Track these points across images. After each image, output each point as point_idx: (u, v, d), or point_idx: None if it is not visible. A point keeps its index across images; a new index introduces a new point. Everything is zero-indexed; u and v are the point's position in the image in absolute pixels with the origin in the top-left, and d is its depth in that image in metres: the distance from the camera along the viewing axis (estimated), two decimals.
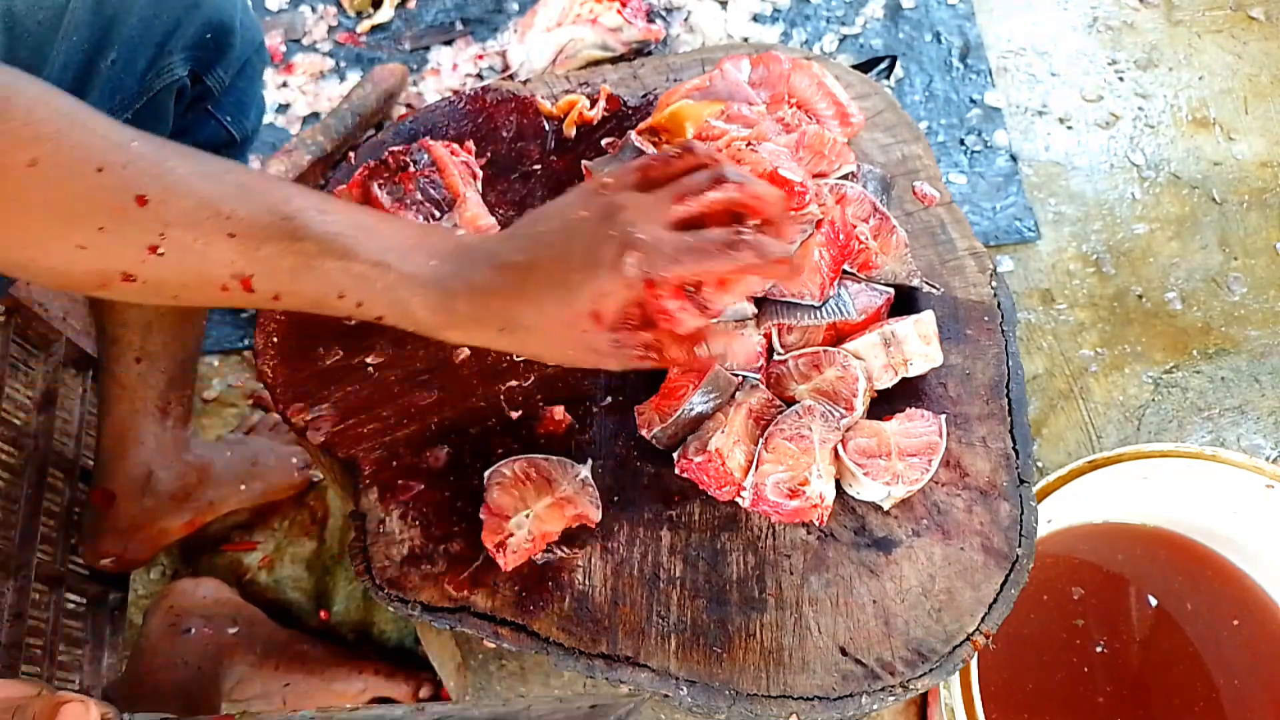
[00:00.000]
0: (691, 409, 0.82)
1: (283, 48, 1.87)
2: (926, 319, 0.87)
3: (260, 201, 0.65)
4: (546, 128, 1.06)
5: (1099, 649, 1.22)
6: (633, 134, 0.95)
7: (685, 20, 1.84)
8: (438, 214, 0.90)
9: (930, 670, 0.77)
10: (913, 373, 0.87)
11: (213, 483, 1.35)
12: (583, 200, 0.72)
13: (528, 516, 0.81)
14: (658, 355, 0.70)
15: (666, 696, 0.77)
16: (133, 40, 0.88)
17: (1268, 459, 1.45)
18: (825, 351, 0.86)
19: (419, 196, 0.90)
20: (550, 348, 0.71)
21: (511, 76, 1.79)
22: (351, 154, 1.05)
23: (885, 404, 0.87)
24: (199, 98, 0.98)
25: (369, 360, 0.93)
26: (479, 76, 1.83)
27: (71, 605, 1.32)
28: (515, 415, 0.89)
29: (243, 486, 1.39)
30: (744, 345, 0.83)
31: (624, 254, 0.66)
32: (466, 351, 0.93)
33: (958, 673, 0.92)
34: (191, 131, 1.02)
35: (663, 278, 0.66)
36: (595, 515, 0.82)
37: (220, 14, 0.94)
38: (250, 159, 1.74)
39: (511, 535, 0.80)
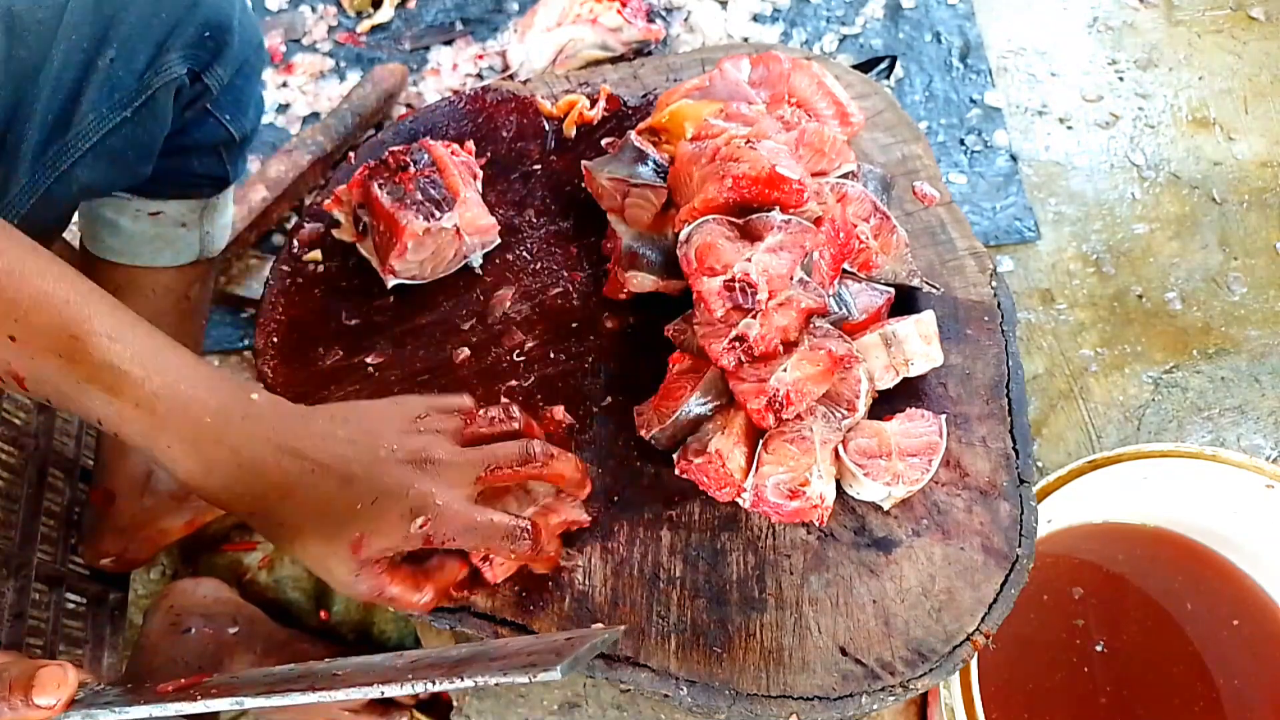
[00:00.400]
0: (690, 410, 0.82)
1: (283, 48, 1.87)
2: (927, 319, 0.87)
3: (54, 316, 0.63)
4: (546, 128, 1.06)
5: (1099, 649, 1.22)
6: (633, 134, 0.95)
7: (685, 20, 1.84)
8: (438, 213, 0.90)
9: (930, 670, 0.77)
10: (913, 373, 0.87)
11: None
12: (398, 430, 0.73)
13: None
14: (389, 594, 0.70)
15: (666, 696, 0.77)
16: (131, 39, 0.88)
17: (1268, 459, 1.45)
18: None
19: (419, 196, 0.91)
20: (293, 549, 0.70)
21: (511, 76, 1.79)
22: (351, 154, 1.05)
23: (885, 404, 0.87)
24: (197, 97, 0.99)
25: (369, 360, 0.93)
26: (479, 76, 1.83)
27: (71, 605, 1.32)
28: None
29: None
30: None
31: (415, 515, 0.69)
32: (466, 351, 0.93)
33: (958, 673, 0.92)
34: (190, 130, 1.02)
35: (440, 539, 0.69)
36: (582, 518, 0.82)
37: (219, 13, 0.94)
38: (250, 159, 1.74)
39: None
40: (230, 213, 1.18)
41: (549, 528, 0.78)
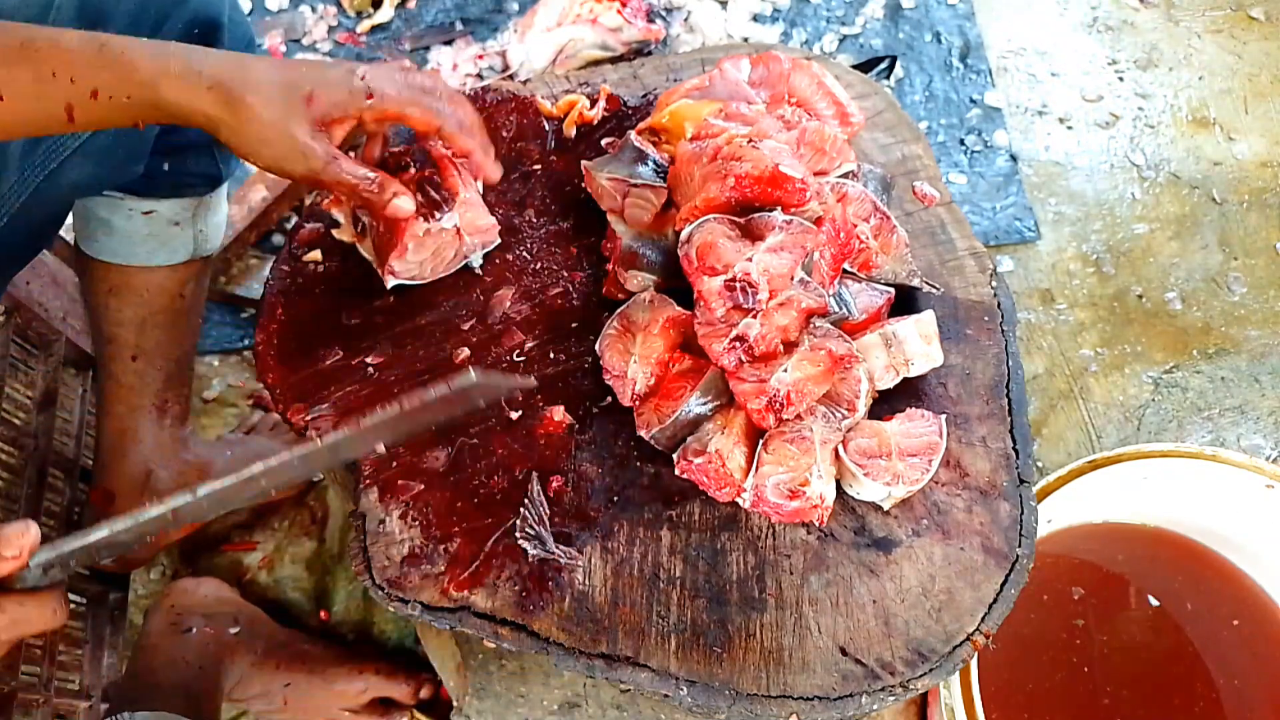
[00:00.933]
0: (690, 410, 0.82)
1: (283, 48, 1.87)
2: (927, 319, 0.87)
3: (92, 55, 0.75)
4: (546, 128, 1.06)
5: (1099, 649, 1.22)
6: (633, 134, 0.95)
7: (685, 20, 1.84)
8: (438, 214, 0.90)
9: (930, 670, 0.77)
10: (913, 373, 0.87)
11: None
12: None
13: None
14: (341, 172, 0.79)
15: (666, 696, 0.77)
16: (122, 31, 0.88)
17: (1268, 459, 1.45)
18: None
19: (419, 197, 0.90)
20: (254, 121, 0.76)
21: (511, 76, 1.79)
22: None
23: (886, 404, 0.87)
24: None
25: (369, 360, 0.93)
26: (479, 76, 1.83)
27: (72, 605, 1.32)
28: (515, 415, 0.89)
29: None
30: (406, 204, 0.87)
31: (358, 67, 0.80)
32: (466, 351, 0.93)
33: (958, 673, 0.92)
34: (181, 129, 1.01)
35: (382, 93, 0.80)
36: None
37: (207, 8, 0.94)
38: None
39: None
40: (224, 211, 1.18)
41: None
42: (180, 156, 1.06)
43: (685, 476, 0.83)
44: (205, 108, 0.76)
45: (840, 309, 0.86)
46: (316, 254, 1.00)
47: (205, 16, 0.94)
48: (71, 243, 1.19)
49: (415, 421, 0.74)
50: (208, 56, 0.77)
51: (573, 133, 1.06)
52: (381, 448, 0.77)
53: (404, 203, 0.84)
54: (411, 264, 0.93)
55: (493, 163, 0.89)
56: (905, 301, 0.93)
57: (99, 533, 0.67)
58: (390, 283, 0.94)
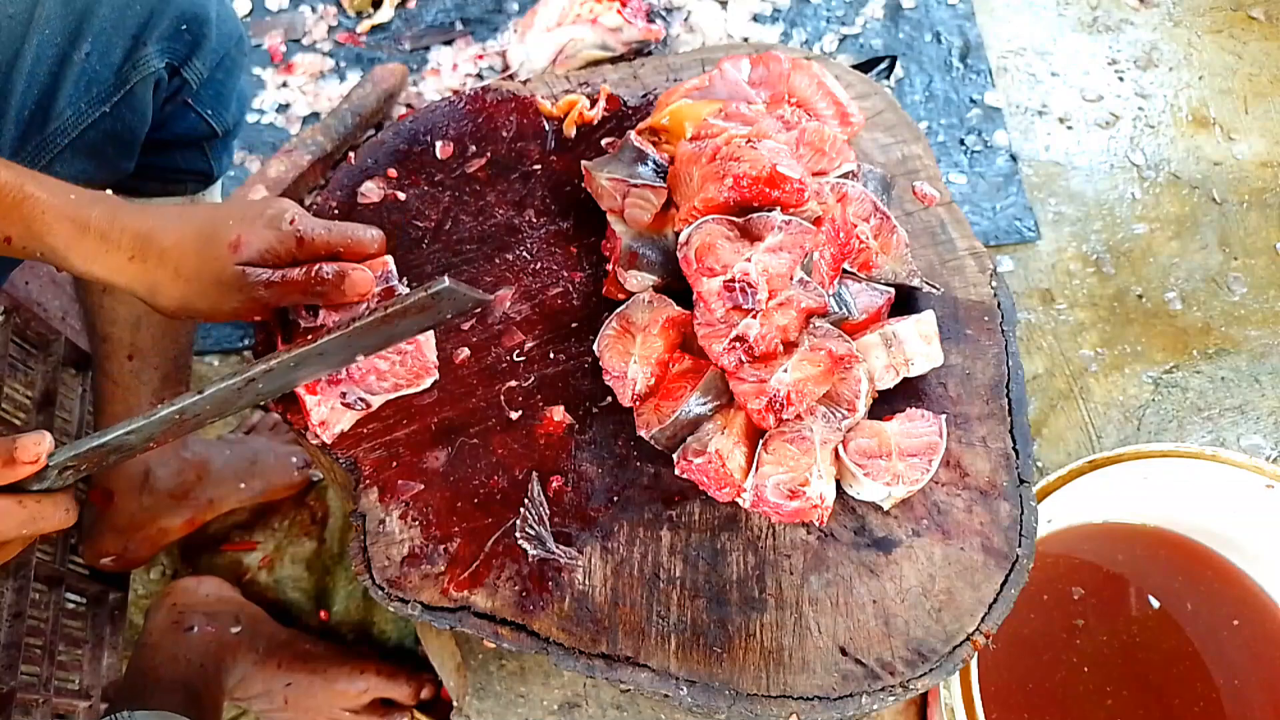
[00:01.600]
0: (690, 410, 0.82)
1: (283, 48, 1.87)
2: (927, 319, 0.87)
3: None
4: (546, 128, 1.06)
5: (1099, 649, 1.22)
6: (632, 134, 0.95)
7: (685, 20, 1.84)
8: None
9: (930, 670, 0.77)
10: (914, 373, 0.87)
11: (212, 481, 1.35)
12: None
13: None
14: (275, 293, 0.77)
15: (666, 696, 0.77)
16: (106, 33, 0.88)
17: (1268, 459, 1.45)
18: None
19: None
20: (178, 278, 0.75)
21: (511, 76, 1.79)
22: (351, 154, 1.05)
23: (886, 404, 0.87)
24: (177, 91, 0.99)
25: None
26: (479, 76, 1.83)
27: (71, 605, 1.32)
28: (515, 415, 0.89)
29: (242, 485, 1.39)
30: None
31: (286, 207, 0.78)
32: (466, 351, 0.93)
33: (958, 673, 0.92)
34: (170, 124, 1.01)
35: (311, 234, 0.78)
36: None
37: (195, 6, 0.94)
38: (250, 159, 1.74)
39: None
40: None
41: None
42: (171, 154, 1.05)
43: (685, 476, 0.83)
44: (126, 276, 0.76)
45: (840, 309, 0.86)
46: None
47: (193, 13, 0.94)
48: None
49: (392, 326, 0.77)
50: (130, 218, 0.75)
51: (573, 133, 1.06)
52: (362, 357, 0.81)
53: (360, 278, 0.81)
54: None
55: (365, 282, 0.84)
56: (905, 301, 0.93)
57: (111, 434, 0.70)
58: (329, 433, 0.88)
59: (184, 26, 0.93)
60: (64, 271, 0.76)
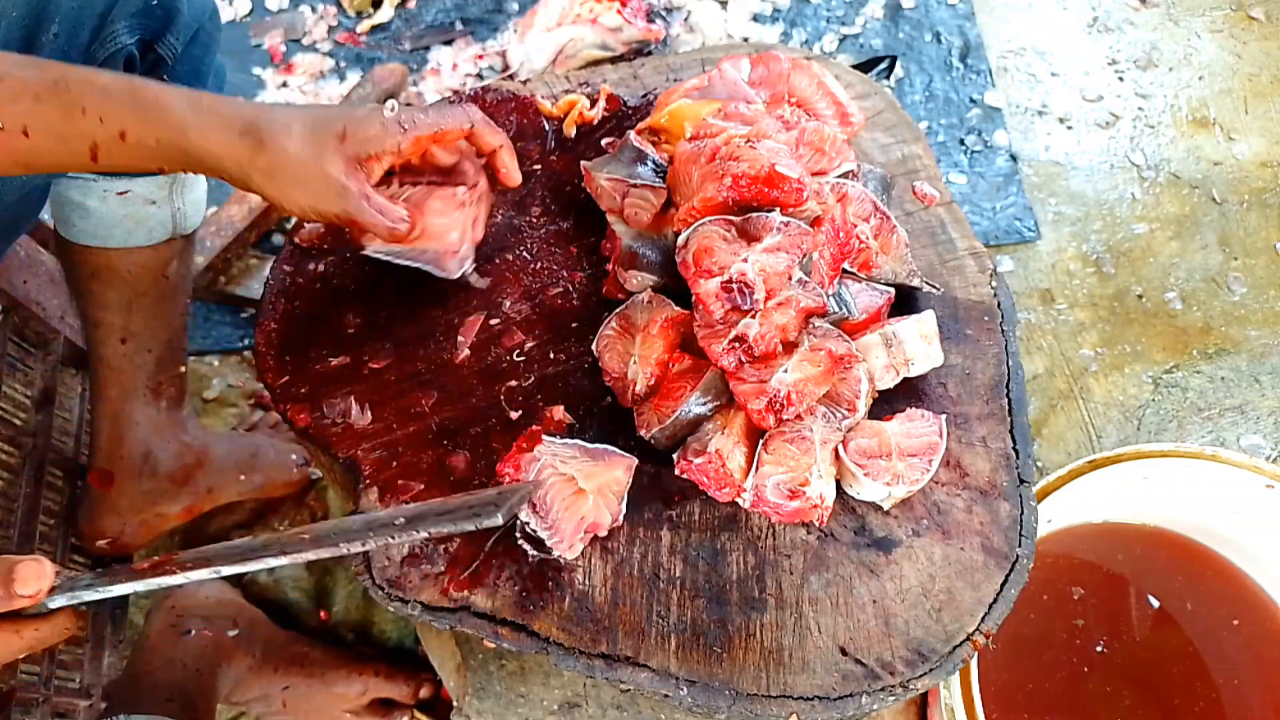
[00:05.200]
0: (690, 410, 0.82)
1: (283, 48, 1.87)
2: (927, 319, 0.87)
3: (7, 56, 0.74)
4: (546, 128, 1.06)
5: (1099, 649, 1.22)
6: (632, 134, 0.95)
7: (685, 20, 1.84)
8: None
9: (930, 670, 0.77)
10: (914, 373, 0.87)
11: (212, 469, 1.35)
12: None
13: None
14: (376, 213, 0.80)
15: (666, 696, 0.77)
16: (73, 11, 0.88)
17: (1268, 459, 1.45)
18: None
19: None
20: (287, 164, 0.76)
21: (511, 76, 1.79)
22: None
23: (886, 404, 0.87)
24: (152, 67, 0.98)
25: (369, 361, 0.93)
26: (479, 76, 1.83)
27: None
28: (515, 415, 0.89)
29: (242, 477, 1.39)
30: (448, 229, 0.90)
31: (387, 104, 0.80)
32: (466, 351, 0.93)
33: (958, 673, 0.92)
34: None
35: (414, 120, 0.80)
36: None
37: None
38: None
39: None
40: (202, 188, 1.18)
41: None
42: None
43: (685, 476, 0.83)
44: (237, 154, 0.76)
45: (840, 309, 0.86)
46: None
47: None
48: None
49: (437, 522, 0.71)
50: (239, 104, 0.77)
51: (573, 133, 1.06)
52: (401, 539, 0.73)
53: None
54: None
55: (514, 161, 0.91)
56: (905, 301, 0.93)
57: (115, 589, 0.67)
58: (370, 249, 0.92)
59: (154, 2, 0.93)
60: (180, 163, 0.77)
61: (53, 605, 0.66)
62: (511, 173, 0.91)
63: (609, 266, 0.94)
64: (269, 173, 0.77)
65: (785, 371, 0.79)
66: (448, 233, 0.90)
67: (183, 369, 1.26)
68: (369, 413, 0.89)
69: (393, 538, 0.69)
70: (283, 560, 0.68)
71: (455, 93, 1.12)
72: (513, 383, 0.91)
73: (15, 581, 0.63)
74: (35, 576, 0.64)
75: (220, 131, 0.75)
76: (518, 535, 0.83)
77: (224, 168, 0.77)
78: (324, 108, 0.81)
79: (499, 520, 0.68)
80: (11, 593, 0.63)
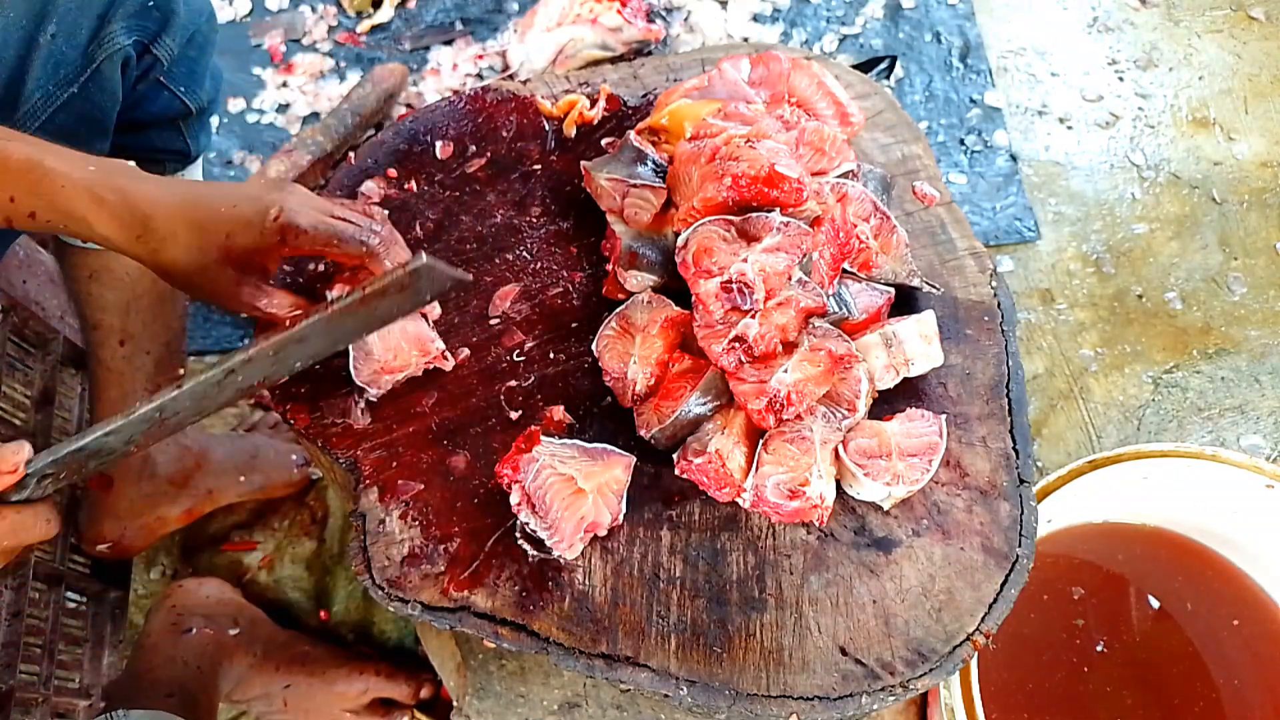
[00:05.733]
0: (690, 410, 0.82)
1: (283, 48, 1.87)
2: (927, 319, 0.87)
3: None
4: (546, 128, 1.06)
5: (1099, 649, 1.22)
6: (632, 134, 0.95)
7: (685, 20, 1.84)
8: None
9: (930, 670, 0.77)
10: (914, 373, 0.87)
11: (212, 471, 1.35)
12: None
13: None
14: (269, 308, 0.81)
15: (666, 696, 0.77)
16: (71, 12, 0.88)
17: (1268, 459, 1.45)
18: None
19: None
20: (178, 267, 0.78)
21: (511, 76, 1.79)
22: (351, 154, 1.05)
23: (886, 404, 0.87)
24: (148, 69, 0.98)
25: None
26: (479, 76, 1.83)
27: (71, 604, 1.32)
28: (515, 415, 0.89)
29: (242, 478, 1.39)
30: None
31: (274, 203, 0.78)
32: (466, 351, 0.93)
33: (958, 673, 0.92)
34: (144, 104, 1.01)
35: (297, 231, 0.78)
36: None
37: None
38: (250, 159, 1.74)
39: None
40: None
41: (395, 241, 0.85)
42: (147, 134, 1.05)
43: (685, 476, 0.83)
44: (136, 253, 0.78)
45: (840, 309, 0.86)
46: None
47: None
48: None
49: (372, 308, 0.76)
50: (140, 196, 0.77)
51: (573, 133, 1.06)
52: (344, 343, 0.80)
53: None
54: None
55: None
56: (905, 301, 0.93)
57: (88, 436, 0.70)
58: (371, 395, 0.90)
59: (151, 3, 0.93)
60: (89, 241, 0.80)
61: (31, 470, 0.68)
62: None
63: (609, 266, 0.94)
64: (167, 272, 0.79)
65: (785, 371, 0.79)
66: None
67: (182, 371, 1.27)
68: (369, 413, 0.89)
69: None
70: (245, 366, 0.74)
71: (455, 92, 1.12)
72: (513, 383, 0.91)
73: None
74: (13, 452, 0.67)
75: (118, 232, 0.77)
76: (518, 535, 0.83)
77: (125, 254, 0.79)
78: (209, 202, 0.79)
79: (423, 258, 0.73)
80: None
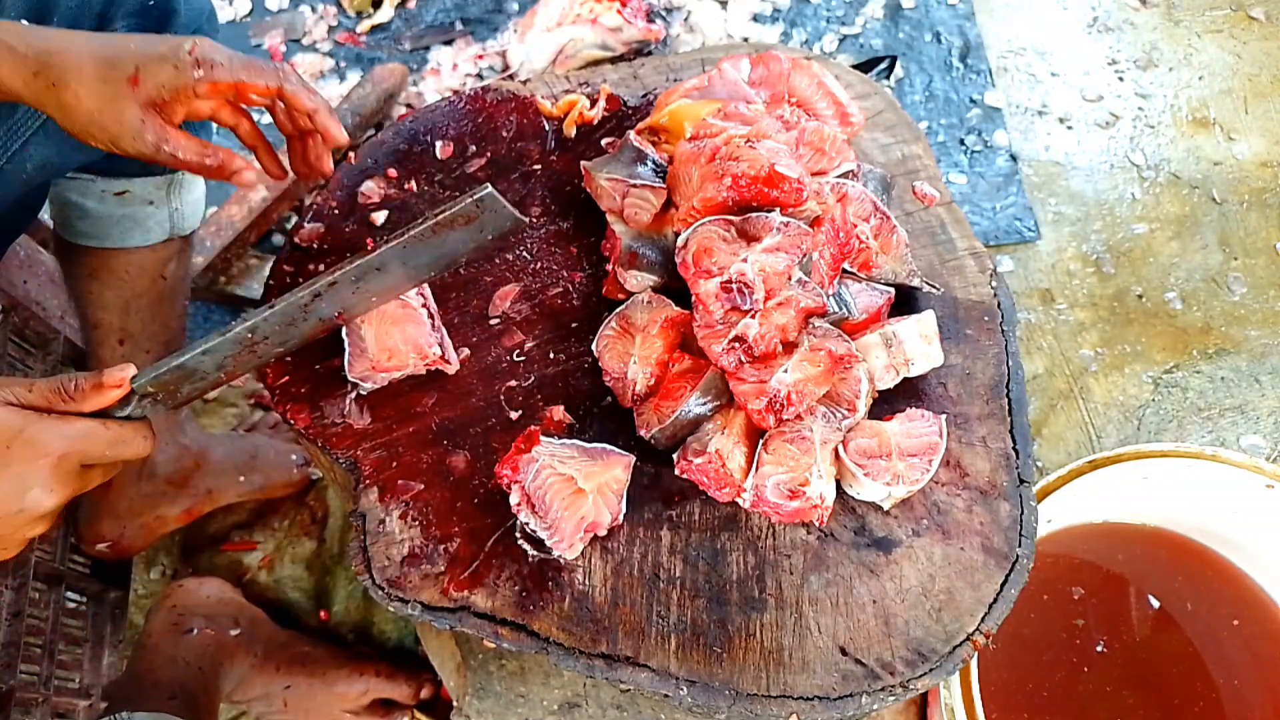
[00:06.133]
0: (690, 410, 0.82)
1: (283, 48, 1.87)
2: (927, 319, 0.87)
3: None
4: (546, 128, 1.06)
5: (1099, 649, 1.22)
6: (632, 134, 0.95)
7: (685, 20, 1.84)
8: None
9: (930, 670, 0.77)
10: (914, 373, 0.87)
11: (211, 471, 1.35)
12: None
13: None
14: (177, 151, 0.79)
15: (666, 696, 0.77)
16: (71, 11, 0.89)
17: (1268, 459, 1.45)
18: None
19: None
20: (81, 106, 0.75)
21: (511, 76, 1.79)
22: (351, 154, 1.05)
23: (886, 404, 0.87)
24: None
25: None
26: (479, 76, 1.83)
27: (71, 604, 1.32)
28: (515, 415, 0.89)
29: (241, 478, 1.39)
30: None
31: (188, 38, 0.77)
32: (466, 351, 0.93)
33: (958, 673, 0.92)
34: None
35: (211, 62, 0.76)
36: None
37: None
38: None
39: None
40: (200, 189, 1.18)
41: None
42: None
43: (685, 476, 0.83)
44: (33, 91, 0.76)
45: (840, 309, 0.86)
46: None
47: None
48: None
49: (441, 238, 0.79)
50: (36, 37, 0.75)
51: (573, 133, 1.06)
52: (420, 277, 0.83)
53: (248, 174, 0.85)
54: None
55: (336, 122, 0.87)
56: (905, 301, 0.93)
57: (186, 354, 0.76)
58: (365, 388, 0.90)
59: (151, 3, 0.93)
60: None
61: (136, 386, 0.74)
62: (333, 133, 0.86)
63: (609, 266, 0.94)
64: (64, 111, 0.76)
65: (785, 371, 0.79)
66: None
67: None
68: (369, 413, 0.89)
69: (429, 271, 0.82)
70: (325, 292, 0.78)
71: (455, 92, 1.12)
72: (513, 383, 0.91)
73: (104, 376, 0.72)
74: (120, 369, 0.73)
75: (15, 70, 0.74)
76: (518, 535, 0.83)
77: (23, 99, 0.77)
78: (120, 40, 0.76)
79: (488, 188, 0.77)
80: (104, 383, 0.72)
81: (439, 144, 1.05)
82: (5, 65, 0.74)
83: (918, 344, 0.86)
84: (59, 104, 0.76)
